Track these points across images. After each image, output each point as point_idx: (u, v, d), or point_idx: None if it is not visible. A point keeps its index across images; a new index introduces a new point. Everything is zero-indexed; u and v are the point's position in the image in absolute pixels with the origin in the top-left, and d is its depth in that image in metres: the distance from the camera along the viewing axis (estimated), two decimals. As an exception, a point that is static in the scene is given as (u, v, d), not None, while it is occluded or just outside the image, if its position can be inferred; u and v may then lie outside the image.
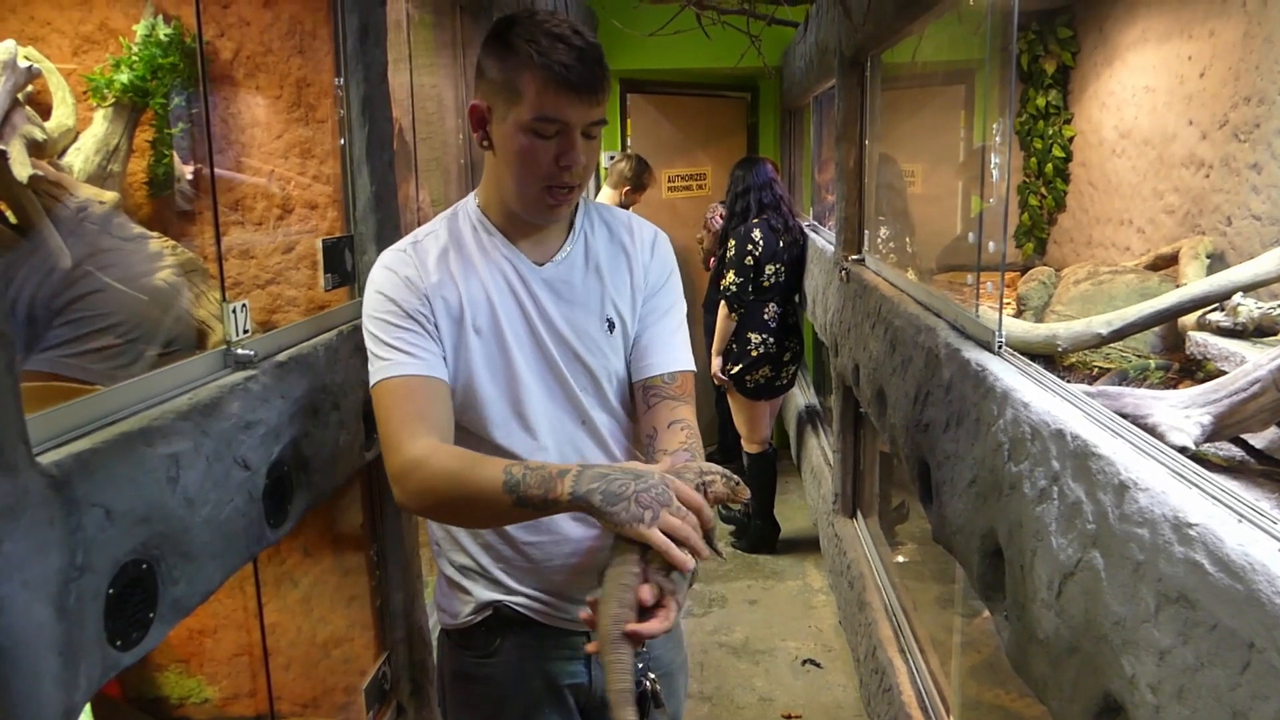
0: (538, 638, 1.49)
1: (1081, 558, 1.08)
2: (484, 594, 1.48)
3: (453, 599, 1.52)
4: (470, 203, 1.48)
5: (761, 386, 4.34)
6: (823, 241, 4.04)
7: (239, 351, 1.52)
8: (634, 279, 1.50)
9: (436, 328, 1.39)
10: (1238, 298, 1.55)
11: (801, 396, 5.63)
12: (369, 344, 1.39)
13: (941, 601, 2.97)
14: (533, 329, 1.42)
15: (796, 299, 4.39)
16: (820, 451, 4.68)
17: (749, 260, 4.16)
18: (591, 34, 1.35)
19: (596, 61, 1.32)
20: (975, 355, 1.62)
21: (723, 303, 4.23)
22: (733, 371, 4.31)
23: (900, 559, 3.44)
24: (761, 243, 4.17)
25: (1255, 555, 0.79)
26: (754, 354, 4.25)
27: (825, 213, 4.66)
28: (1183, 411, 1.26)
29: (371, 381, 1.37)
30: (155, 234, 1.74)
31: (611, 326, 1.47)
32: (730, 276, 4.18)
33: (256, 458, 1.46)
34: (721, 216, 4.81)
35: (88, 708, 1.84)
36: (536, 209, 1.39)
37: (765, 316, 4.24)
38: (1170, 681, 0.88)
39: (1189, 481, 0.98)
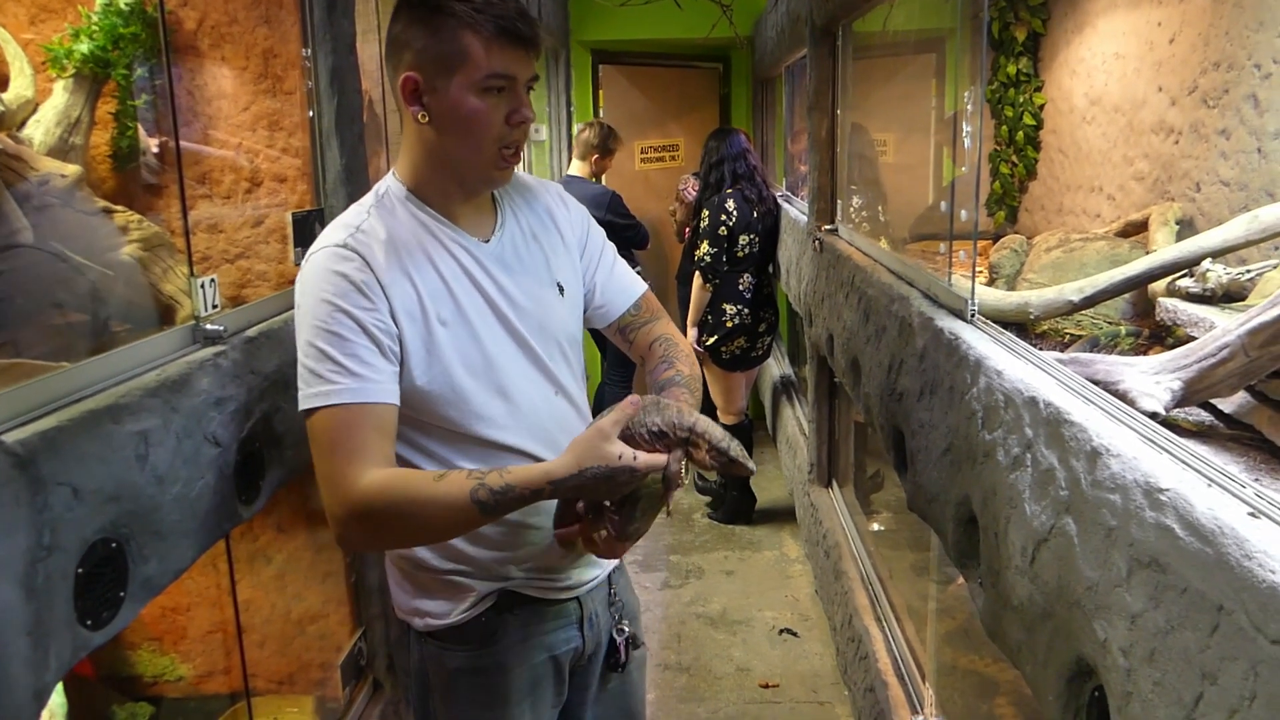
0: (538, 615, 1.49)
1: (1054, 524, 1.09)
2: (485, 586, 1.45)
3: (438, 600, 1.47)
4: (394, 186, 1.39)
5: (737, 357, 4.35)
6: (796, 212, 4.03)
7: (208, 327, 1.50)
8: (564, 238, 1.54)
9: (398, 334, 1.30)
10: (1206, 263, 1.57)
11: (777, 367, 5.65)
12: (309, 358, 1.26)
13: (916, 569, 3.01)
14: (496, 308, 1.39)
15: (771, 270, 4.40)
16: (796, 422, 4.71)
17: (723, 231, 4.15)
18: None
19: (529, 14, 1.32)
20: (948, 324, 1.63)
21: (697, 274, 4.22)
22: (708, 343, 4.31)
23: (875, 527, 3.48)
24: (735, 213, 4.16)
25: (1224, 519, 0.80)
26: (729, 325, 4.25)
27: (798, 183, 4.66)
28: (1153, 377, 1.27)
29: (308, 404, 1.25)
30: (120, 208, 1.71)
31: (562, 290, 1.49)
32: (704, 247, 4.17)
33: (227, 434, 1.44)
34: (694, 188, 4.79)
35: (61, 690, 1.83)
36: (488, 174, 1.37)
37: (740, 287, 4.24)
38: (1142, 644, 0.89)
39: (1159, 447, 0.98)
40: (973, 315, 1.63)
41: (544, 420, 1.44)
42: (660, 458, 1.23)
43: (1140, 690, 0.88)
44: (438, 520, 1.25)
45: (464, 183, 1.38)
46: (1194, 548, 0.82)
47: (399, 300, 1.30)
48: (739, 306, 4.24)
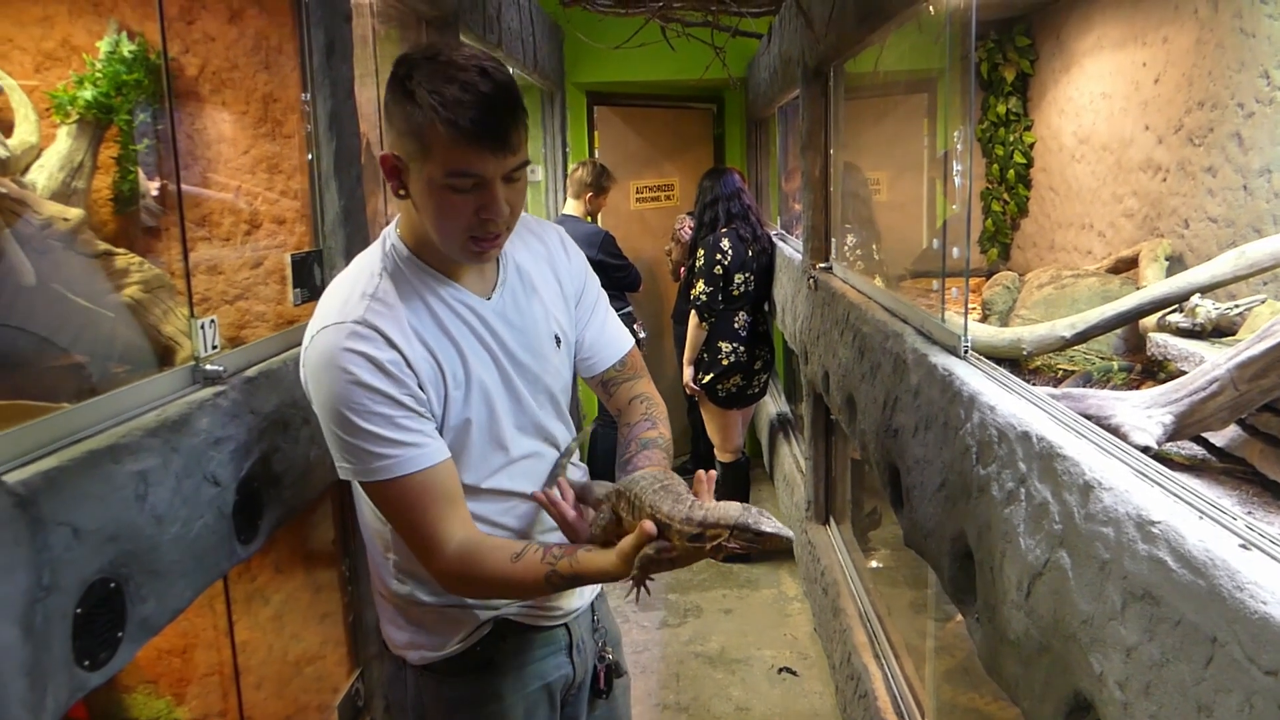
0: (529, 642, 1.53)
1: (1049, 558, 1.10)
2: (481, 614, 1.48)
3: (435, 633, 1.48)
4: (397, 245, 1.38)
5: (733, 395, 4.36)
6: (791, 250, 4.07)
7: (208, 367, 1.51)
8: (563, 288, 1.55)
9: (426, 400, 1.33)
10: (1196, 299, 1.59)
11: (773, 405, 5.65)
12: (355, 438, 1.27)
13: (915, 606, 3.00)
14: (499, 365, 1.42)
15: (766, 307, 4.42)
16: (792, 459, 4.71)
17: (718, 270, 4.18)
18: (502, 69, 1.26)
19: (507, 107, 1.24)
20: (942, 360, 1.64)
21: (693, 312, 4.25)
22: (704, 381, 4.33)
23: (874, 564, 3.47)
24: (730, 252, 4.19)
25: (1216, 551, 0.81)
26: (725, 363, 4.27)
27: (793, 222, 4.70)
28: (1145, 412, 1.28)
29: (371, 478, 1.29)
30: (121, 250, 1.73)
31: (559, 341, 1.52)
32: (700, 286, 4.20)
33: (226, 474, 1.45)
34: (690, 228, 4.83)
35: (55, 732, 1.81)
36: (464, 257, 1.35)
37: (735, 325, 4.26)
38: (1137, 678, 0.89)
39: (1151, 480, 1.00)
40: (966, 351, 1.64)
41: (537, 466, 1.49)
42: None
43: (1137, 723, 0.89)
44: (516, 594, 1.41)
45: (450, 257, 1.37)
46: (1186, 580, 0.83)
47: (422, 370, 1.32)
48: (735, 344, 4.26)
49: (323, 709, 2.19)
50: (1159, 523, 0.90)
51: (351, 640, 2.23)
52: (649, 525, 1.20)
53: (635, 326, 4.70)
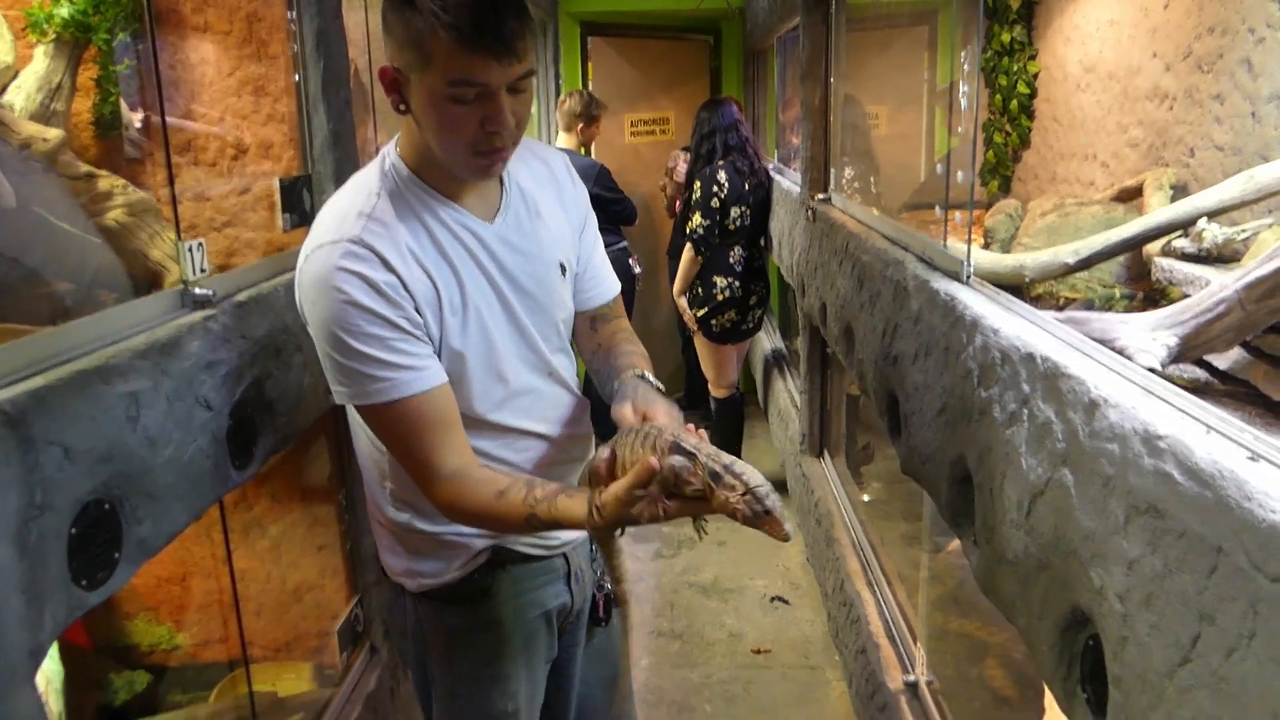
0: (528, 571, 1.51)
1: (1051, 476, 1.10)
2: (478, 542, 1.46)
3: (432, 560, 1.47)
4: (397, 164, 1.33)
5: (727, 330, 4.34)
6: (788, 183, 4.02)
7: (196, 291, 1.48)
8: (569, 216, 1.50)
9: (422, 324, 1.29)
10: (1202, 223, 1.56)
11: (768, 341, 5.64)
12: (351, 360, 1.24)
13: (907, 539, 3.03)
14: (499, 292, 1.37)
15: (762, 242, 4.38)
16: (787, 394, 4.71)
17: (715, 203, 4.13)
18: None
19: (512, 9, 1.18)
20: (944, 285, 1.62)
21: (688, 245, 4.20)
22: (698, 315, 4.30)
23: (866, 498, 3.49)
24: (727, 185, 4.14)
25: (1224, 463, 0.80)
26: (719, 298, 4.24)
27: (790, 156, 4.64)
28: (1149, 334, 1.27)
29: (365, 400, 1.26)
30: (104, 173, 1.69)
31: (564, 270, 1.47)
32: (697, 219, 4.15)
33: (219, 398, 1.43)
34: (683, 164, 4.77)
35: (57, 658, 1.83)
36: (469, 172, 1.30)
37: (731, 260, 4.23)
38: (1138, 589, 0.89)
39: (1158, 396, 0.98)
40: (968, 277, 1.62)
41: (539, 402, 1.45)
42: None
43: (1136, 634, 0.89)
44: (500, 529, 1.40)
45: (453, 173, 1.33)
46: (1193, 492, 0.82)
47: (419, 293, 1.27)
48: (729, 279, 4.23)
49: (322, 634, 2.21)
50: (1165, 437, 0.89)
51: (350, 568, 2.24)
52: (652, 461, 1.12)
53: (631, 262, 4.66)
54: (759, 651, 3.32)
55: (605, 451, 1.23)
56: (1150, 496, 0.89)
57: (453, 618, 1.50)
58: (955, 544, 2.68)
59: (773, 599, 3.68)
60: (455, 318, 1.32)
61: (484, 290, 1.35)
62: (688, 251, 4.22)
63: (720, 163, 4.18)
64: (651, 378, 1.42)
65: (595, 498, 1.18)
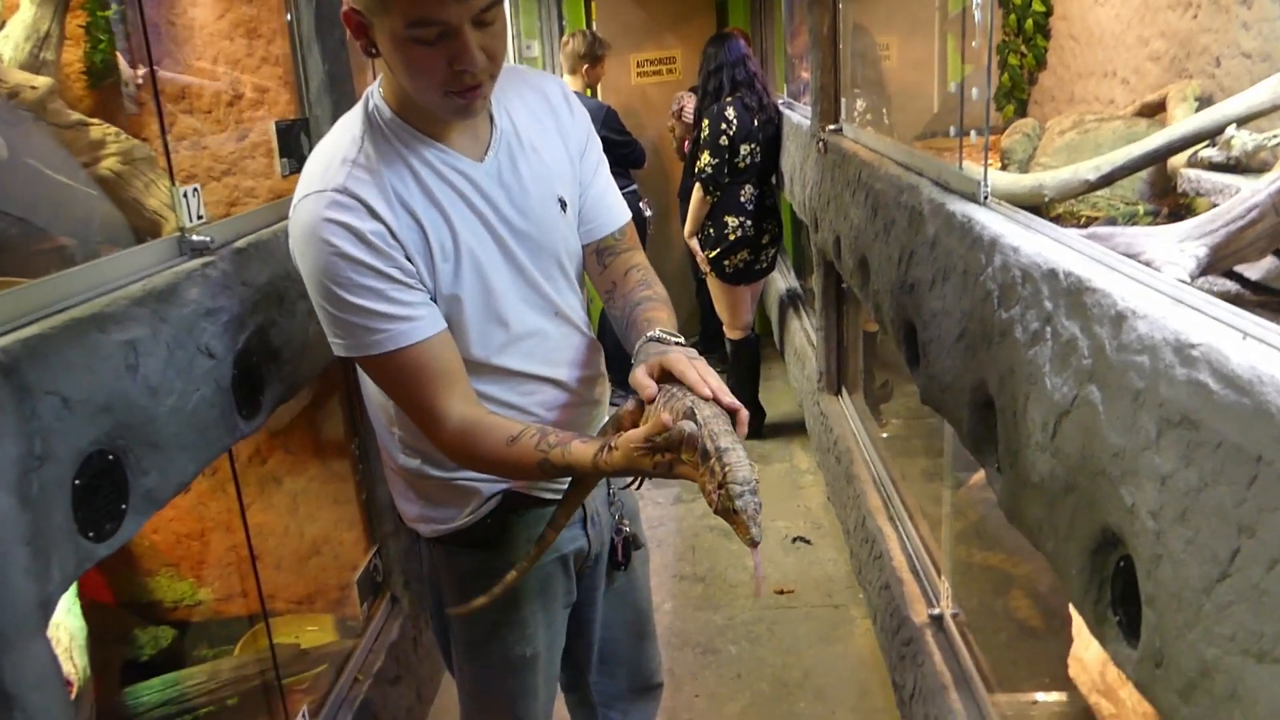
0: (543, 516, 1.47)
1: (1077, 394, 1.06)
2: (489, 488, 1.44)
3: (444, 506, 1.45)
4: (379, 106, 1.27)
5: (740, 271, 4.28)
6: (799, 117, 3.93)
7: (194, 238, 1.45)
8: (567, 146, 1.42)
9: (416, 271, 1.25)
10: (1230, 130, 1.50)
11: (782, 280, 5.58)
12: (345, 313, 1.20)
13: (928, 474, 3.00)
14: (494, 233, 1.31)
15: (773, 180, 4.30)
16: (803, 333, 4.66)
17: (724, 140, 4.04)
18: None
19: None
20: (960, 208, 1.57)
21: (697, 185, 4.13)
22: (710, 256, 4.24)
23: (886, 435, 3.46)
24: (736, 121, 4.05)
25: (1263, 369, 0.76)
26: (731, 238, 4.17)
27: (800, 90, 4.53)
28: (1177, 245, 1.22)
29: (365, 352, 1.23)
30: (95, 121, 1.65)
31: (564, 205, 1.40)
32: (705, 158, 4.07)
33: (221, 346, 1.40)
34: (689, 105, 4.67)
35: (79, 614, 1.83)
36: (447, 113, 1.23)
37: (742, 199, 4.15)
38: (1172, 505, 0.86)
39: (1189, 305, 0.94)
40: (985, 197, 1.57)
41: (545, 345, 1.41)
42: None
43: (1171, 551, 0.85)
44: (512, 475, 1.38)
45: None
46: (1230, 400, 0.78)
47: (408, 241, 1.23)
48: (741, 218, 4.15)
49: (343, 586, 2.22)
50: (1199, 345, 0.84)
51: (367, 518, 2.24)
52: (665, 418, 1.11)
53: (641, 205, 4.59)
54: (782, 592, 3.31)
55: (632, 403, 1.22)
56: (1183, 408, 0.85)
57: (467, 563, 1.48)
58: (977, 477, 2.65)
59: (794, 539, 3.67)
60: (447, 263, 1.27)
61: (477, 232, 1.30)
62: (697, 191, 4.15)
63: (728, 99, 4.09)
64: (669, 333, 1.35)
65: (611, 441, 1.18)
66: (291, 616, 2.29)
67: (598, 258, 1.49)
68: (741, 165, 4.09)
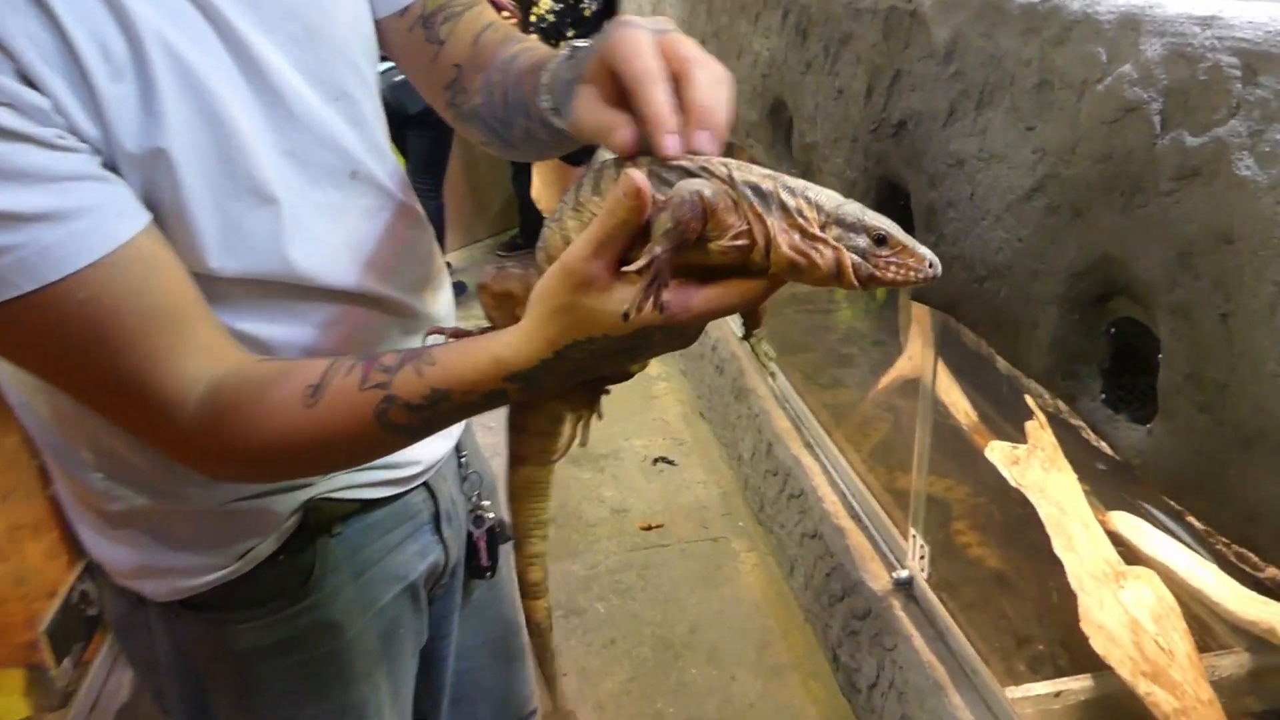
0: (374, 526, 0.93)
1: None
2: (276, 503, 0.84)
3: (197, 549, 0.84)
4: None
5: (583, 148, 3.67)
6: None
7: None
8: None
9: (54, 108, 0.63)
10: None
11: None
12: None
13: (859, 384, 2.51)
14: (221, 23, 0.71)
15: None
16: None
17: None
18: None
19: None
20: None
21: (533, 36, 3.49)
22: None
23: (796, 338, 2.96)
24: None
25: None
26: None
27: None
28: None
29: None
30: None
31: None
32: (545, 4, 3.61)
33: None
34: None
35: None
36: None
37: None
38: None
39: None
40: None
41: (340, 231, 0.82)
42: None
43: None
44: (334, 460, 0.76)
45: None
46: None
47: (21, 47, 0.62)
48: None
49: (30, 623, 1.45)
50: None
51: (62, 521, 1.47)
52: (636, 177, 0.58)
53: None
54: (649, 528, 2.83)
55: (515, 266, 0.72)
56: None
57: (245, 637, 0.87)
58: (888, 379, 2.16)
59: (656, 461, 3.18)
60: (122, 85, 0.66)
61: (185, 22, 0.70)
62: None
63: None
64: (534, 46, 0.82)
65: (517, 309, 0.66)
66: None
67: (426, 29, 0.85)
68: (587, 13, 3.58)
